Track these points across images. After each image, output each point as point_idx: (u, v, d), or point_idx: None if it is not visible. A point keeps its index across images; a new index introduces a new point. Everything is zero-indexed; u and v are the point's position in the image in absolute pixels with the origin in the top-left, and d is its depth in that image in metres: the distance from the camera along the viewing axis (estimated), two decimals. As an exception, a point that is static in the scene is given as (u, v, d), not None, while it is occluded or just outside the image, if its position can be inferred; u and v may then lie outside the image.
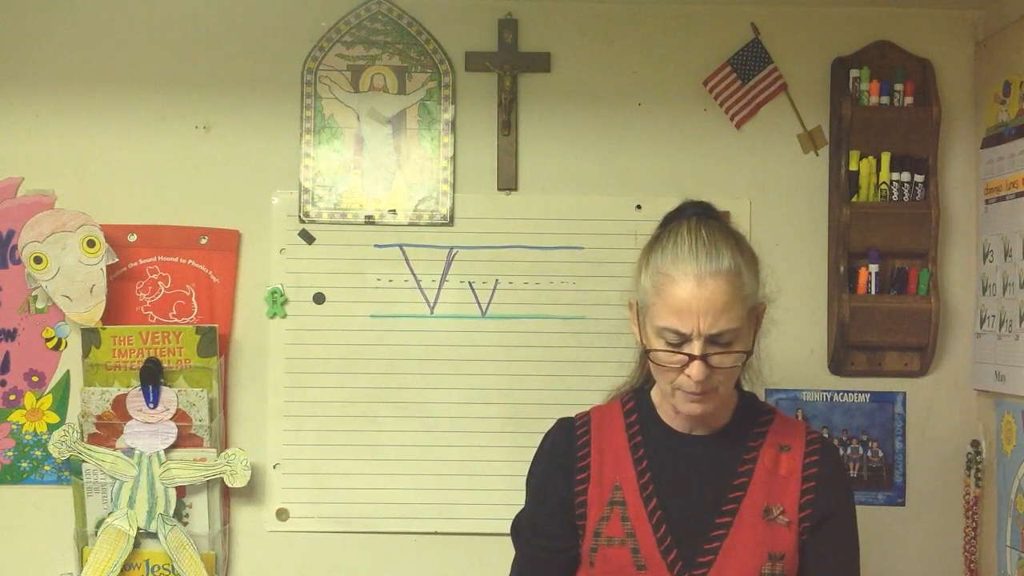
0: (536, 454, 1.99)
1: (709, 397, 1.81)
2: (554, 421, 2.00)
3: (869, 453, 2.68)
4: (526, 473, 2.00)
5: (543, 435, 1.99)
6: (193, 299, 2.65)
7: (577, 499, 1.89)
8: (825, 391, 2.68)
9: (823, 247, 2.68)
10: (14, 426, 2.65)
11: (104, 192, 2.65)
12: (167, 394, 2.56)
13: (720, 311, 1.76)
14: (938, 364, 2.68)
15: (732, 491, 1.85)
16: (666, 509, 1.85)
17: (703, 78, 2.68)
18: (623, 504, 1.86)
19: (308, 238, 2.67)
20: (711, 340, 1.77)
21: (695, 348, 1.76)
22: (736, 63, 2.67)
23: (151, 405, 2.56)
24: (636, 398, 1.97)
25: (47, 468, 2.65)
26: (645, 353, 1.85)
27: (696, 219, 1.85)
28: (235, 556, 2.67)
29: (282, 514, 2.66)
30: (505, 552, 2.01)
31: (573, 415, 1.99)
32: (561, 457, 1.93)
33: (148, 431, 2.56)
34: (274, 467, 2.66)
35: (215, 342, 2.59)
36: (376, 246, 2.68)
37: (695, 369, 1.76)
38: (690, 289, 1.76)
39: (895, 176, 2.62)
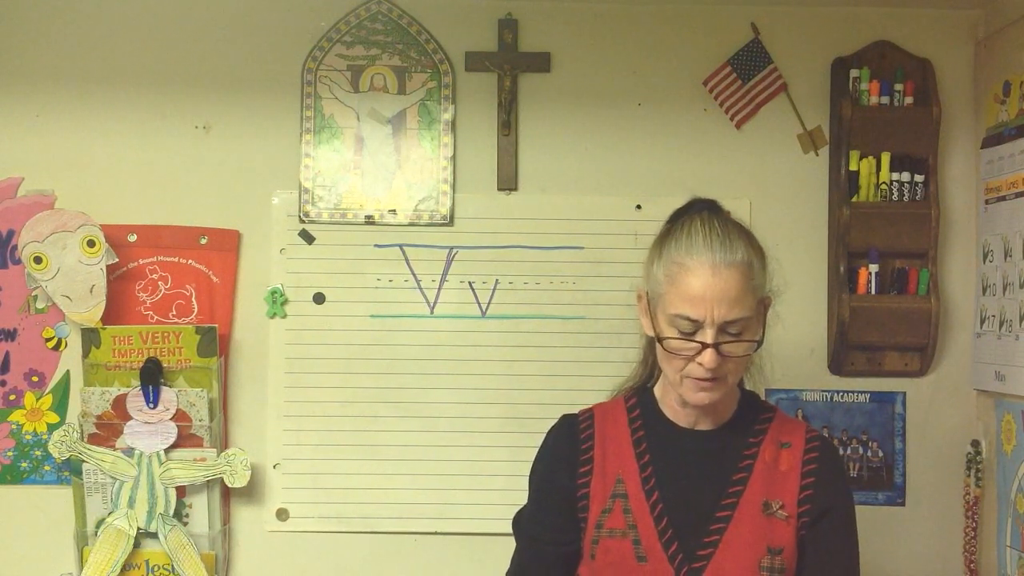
0: (540, 449, 2.01)
1: (718, 386, 1.83)
2: (554, 420, 2.02)
3: (869, 453, 2.68)
4: (527, 473, 2.02)
5: (546, 432, 2.01)
6: (193, 299, 2.65)
7: (580, 491, 1.90)
8: (825, 391, 2.68)
9: (823, 247, 2.68)
10: (14, 426, 2.65)
11: (104, 192, 2.65)
12: (167, 394, 2.56)
13: (734, 300, 1.79)
14: (938, 364, 2.68)
15: (732, 485, 1.87)
16: (667, 502, 1.86)
17: (703, 78, 2.68)
18: (625, 496, 1.88)
19: (308, 238, 2.67)
20: (723, 329, 1.80)
21: (707, 336, 1.79)
22: (736, 63, 2.67)
23: (151, 405, 2.56)
24: (639, 395, 1.99)
25: (47, 468, 2.65)
26: (657, 341, 1.86)
27: (707, 213, 1.88)
28: (235, 556, 2.67)
29: (282, 514, 2.66)
30: (505, 552, 2.01)
31: (576, 411, 2.01)
32: (564, 450, 1.94)
33: (148, 431, 2.56)
34: (274, 467, 2.66)
35: (215, 342, 2.59)
36: (376, 246, 2.68)
37: (707, 357, 1.79)
38: (705, 278, 1.79)
39: (895, 176, 2.62)
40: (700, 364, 1.80)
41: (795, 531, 1.86)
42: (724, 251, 1.80)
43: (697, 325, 1.80)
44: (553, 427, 2.01)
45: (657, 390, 1.97)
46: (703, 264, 1.79)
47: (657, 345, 1.86)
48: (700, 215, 1.87)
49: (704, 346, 1.79)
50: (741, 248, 1.82)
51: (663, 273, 1.84)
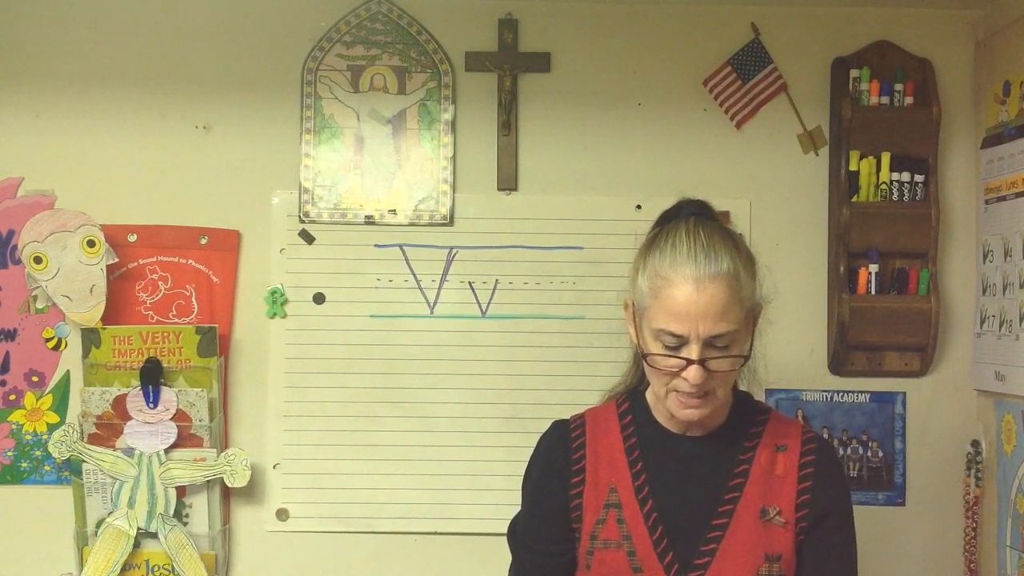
0: (531, 457, 1.98)
1: (706, 401, 1.80)
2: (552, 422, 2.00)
3: (869, 453, 2.68)
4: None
5: (538, 438, 1.98)
6: (193, 299, 2.65)
7: (572, 502, 1.88)
8: (825, 391, 2.68)
9: (823, 247, 2.67)
10: (14, 426, 2.65)
11: (104, 192, 2.65)
12: (167, 394, 2.56)
13: (719, 315, 1.74)
14: (938, 364, 2.68)
15: (728, 492, 1.84)
16: (662, 511, 1.84)
17: (703, 78, 2.68)
18: (619, 506, 1.85)
19: (308, 238, 2.67)
20: (708, 343, 1.75)
21: (692, 352, 1.75)
22: (736, 63, 2.67)
23: (151, 405, 2.56)
24: (631, 399, 1.96)
25: (47, 468, 2.65)
26: (643, 357, 1.83)
27: (694, 220, 1.83)
28: (235, 556, 2.67)
29: (282, 514, 2.66)
30: (505, 552, 2.00)
31: (568, 417, 1.98)
32: (556, 460, 1.92)
33: (148, 431, 2.57)
34: (274, 467, 2.66)
35: (215, 342, 2.59)
36: (376, 246, 2.68)
37: (692, 373, 1.75)
38: (688, 292, 1.74)
39: (895, 176, 2.62)
40: (685, 379, 1.76)
41: (793, 537, 1.83)
42: (708, 263, 1.75)
43: (682, 340, 1.75)
44: (544, 434, 1.97)
45: (649, 395, 1.93)
46: (687, 278, 1.74)
47: (643, 359, 1.83)
48: (686, 223, 1.82)
49: (689, 362, 1.75)
50: (727, 259, 1.76)
51: (647, 286, 1.79)
